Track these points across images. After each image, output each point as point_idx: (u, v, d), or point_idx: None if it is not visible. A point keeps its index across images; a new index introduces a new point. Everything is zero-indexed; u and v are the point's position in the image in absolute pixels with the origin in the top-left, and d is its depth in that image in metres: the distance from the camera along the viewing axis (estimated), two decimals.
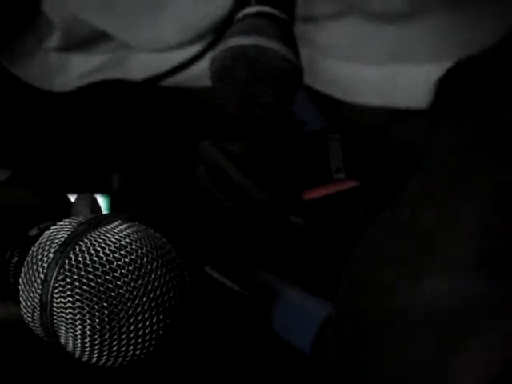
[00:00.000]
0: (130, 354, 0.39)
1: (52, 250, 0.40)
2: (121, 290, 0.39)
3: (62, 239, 0.40)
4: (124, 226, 0.41)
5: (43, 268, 0.40)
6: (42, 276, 0.40)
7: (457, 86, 0.62)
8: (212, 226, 0.66)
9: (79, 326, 0.39)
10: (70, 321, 0.39)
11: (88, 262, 0.39)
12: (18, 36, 0.80)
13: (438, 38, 0.74)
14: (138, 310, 0.39)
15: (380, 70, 0.78)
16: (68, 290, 0.39)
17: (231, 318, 0.57)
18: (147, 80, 0.77)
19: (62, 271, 0.39)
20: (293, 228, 0.71)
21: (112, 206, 0.69)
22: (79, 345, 0.39)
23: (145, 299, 0.39)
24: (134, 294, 0.39)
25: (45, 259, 0.40)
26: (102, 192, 0.74)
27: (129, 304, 0.39)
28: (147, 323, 0.39)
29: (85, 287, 0.39)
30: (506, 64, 0.69)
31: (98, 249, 0.39)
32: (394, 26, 0.74)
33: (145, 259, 0.39)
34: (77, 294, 0.39)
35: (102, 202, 0.73)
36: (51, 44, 0.80)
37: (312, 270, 0.67)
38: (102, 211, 0.49)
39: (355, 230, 0.74)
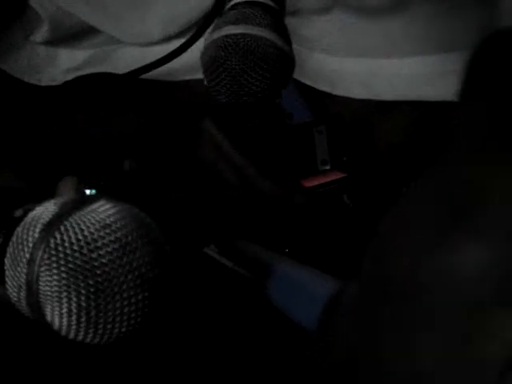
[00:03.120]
0: (115, 330, 0.40)
1: (37, 230, 0.40)
2: (106, 268, 0.39)
3: (47, 219, 0.41)
4: (108, 205, 0.42)
5: (29, 248, 0.40)
6: (27, 255, 0.40)
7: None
8: (206, 205, 0.66)
9: (65, 304, 0.39)
10: (56, 299, 0.39)
11: (73, 241, 0.39)
12: (5, 30, 0.81)
13: (419, 32, 0.75)
14: (123, 287, 0.39)
15: (364, 62, 0.78)
16: (54, 268, 0.39)
17: (231, 297, 0.57)
18: (131, 73, 0.77)
19: (47, 250, 0.39)
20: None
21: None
22: (65, 322, 0.39)
23: (130, 277, 0.39)
24: (119, 271, 0.39)
25: (30, 239, 0.40)
26: (89, 185, 0.75)
27: (114, 281, 0.39)
28: (132, 300, 0.39)
29: (70, 265, 0.39)
30: None
31: (83, 228, 0.40)
32: (378, 20, 0.75)
33: (129, 237, 0.40)
34: (62, 272, 0.39)
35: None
36: (38, 38, 0.81)
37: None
38: (85, 193, 0.50)
39: (342, 221, 0.75)
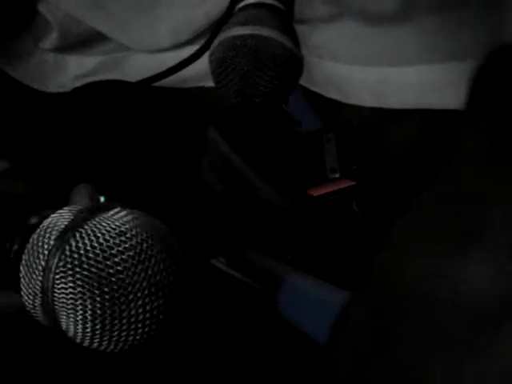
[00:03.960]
0: (130, 338, 0.39)
1: (52, 238, 0.40)
2: (121, 276, 0.39)
3: (63, 226, 0.41)
4: (123, 212, 0.42)
5: (44, 255, 0.40)
6: (42, 263, 0.40)
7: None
8: (214, 216, 0.66)
9: (80, 312, 0.39)
10: (71, 306, 0.39)
11: (88, 248, 0.39)
12: (14, 36, 0.81)
13: (428, 40, 0.75)
14: (138, 294, 0.39)
15: (373, 70, 0.78)
16: (69, 275, 0.39)
17: (240, 308, 0.57)
18: (142, 81, 0.77)
19: (62, 257, 0.39)
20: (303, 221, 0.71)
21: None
22: (80, 330, 0.39)
23: (145, 284, 0.39)
24: (134, 279, 0.39)
25: (45, 246, 0.40)
26: (103, 192, 0.74)
27: (129, 289, 0.39)
28: (147, 308, 0.39)
29: (86, 273, 0.39)
30: None
31: (98, 235, 0.40)
32: (386, 28, 0.75)
33: (144, 245, 0.40)
34: (78, 279, 0.39)
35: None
36: (48, 45, 0.81)
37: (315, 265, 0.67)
38: (99, 200, 0.50)
39: (351, 229, 0.74)
